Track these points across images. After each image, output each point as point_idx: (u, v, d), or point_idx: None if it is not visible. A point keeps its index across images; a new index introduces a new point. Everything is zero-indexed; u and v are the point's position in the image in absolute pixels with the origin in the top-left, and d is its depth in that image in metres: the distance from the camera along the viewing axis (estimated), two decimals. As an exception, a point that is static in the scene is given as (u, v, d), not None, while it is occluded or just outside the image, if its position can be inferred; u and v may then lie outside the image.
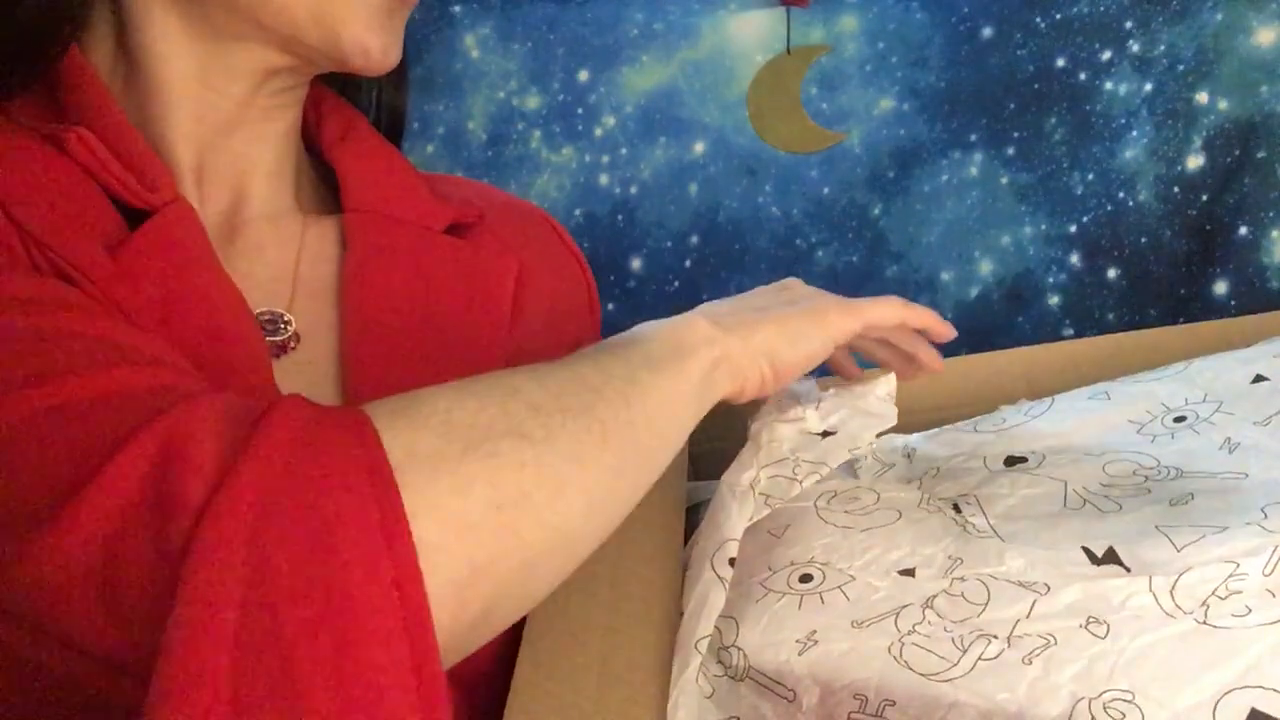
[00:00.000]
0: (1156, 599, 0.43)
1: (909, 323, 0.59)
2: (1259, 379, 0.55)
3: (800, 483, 0.55)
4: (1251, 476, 0.48)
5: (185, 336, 0.51)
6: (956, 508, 0.52)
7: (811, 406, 0.58)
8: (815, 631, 0.46)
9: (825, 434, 0.57)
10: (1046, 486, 0.51)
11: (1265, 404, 0.53)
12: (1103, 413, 0.57)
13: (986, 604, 0.45)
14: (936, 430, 0.63)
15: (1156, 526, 0.46)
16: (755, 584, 0.50)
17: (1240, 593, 0.42)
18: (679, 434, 0.50)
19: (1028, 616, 0.44)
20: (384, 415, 0.40)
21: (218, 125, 0.59)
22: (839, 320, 0.55)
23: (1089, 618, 0.43)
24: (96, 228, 0.51)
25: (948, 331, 0.61)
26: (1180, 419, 0.54)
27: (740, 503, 0.53)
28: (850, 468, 0.60)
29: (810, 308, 0.55)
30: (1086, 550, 0.45)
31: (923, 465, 0.59)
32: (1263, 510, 0.45)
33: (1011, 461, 0.54)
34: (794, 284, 0.60)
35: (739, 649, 0.47)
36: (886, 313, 0.58)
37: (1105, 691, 0.40)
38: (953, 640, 0.44)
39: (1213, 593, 0.42)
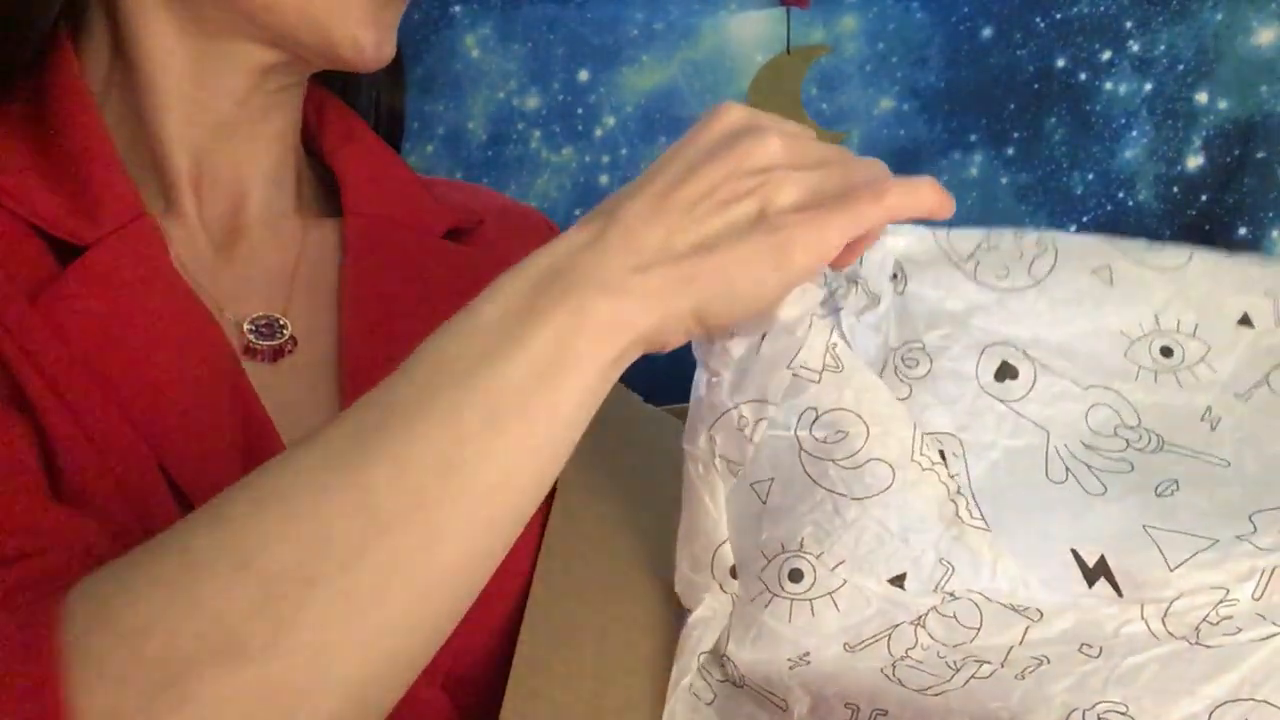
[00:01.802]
0: (1148, 625, 0.43)
1: (907, 215, 0.46)
2: (1245, 321, 0.53)
3: (752, 440, 0.50)
4: (1234, 466, 0.48)
5: (123, 371, 0.49)
6: (943, 455, 0.49)
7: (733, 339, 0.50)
8: (808, 654, 0.46)
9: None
10: (1029, 437, 0.49)
11: (1248, 368, 0.52)
12: (1099, 302, 0.53)
13: (979, 629, 0.45)
14: (932, 259, 0.53)
15: (1144, 527, 0.45)
16: (751, 577, 0.49)
17: (1230, 617, 0.42)
18: (554, 465, 0.40)
19: (1021, 643, 0.44)
20: (72, 643, 0.33)
21: (214, 127, 0.59)
22: (805, 258, 0.42)
23: (1082, 644, 0.43)
24: (19, 274, 0.49)
25: (947, 205, 0.46)
26: (1167, 351, 0.52)
27: (709, 489, 0.51)
28: (832, 299, 0.51)
29: (774, 240, 0.41)
30: (1077, 556, 0.45)
31: (911, 325, 0.51)
32: (1251, 520, 0.45)
33: (1002, 375, 0.51)
34: (784, 151, 0.43)
35: (731, 660, 0.47)
36: (880, 220, 0.44)
37: (1098, 703, 0.40)
38: (947, 664, 0.44)
39: (1204, 619, 0.43)
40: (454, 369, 0.38)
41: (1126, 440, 0.49)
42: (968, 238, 0.53)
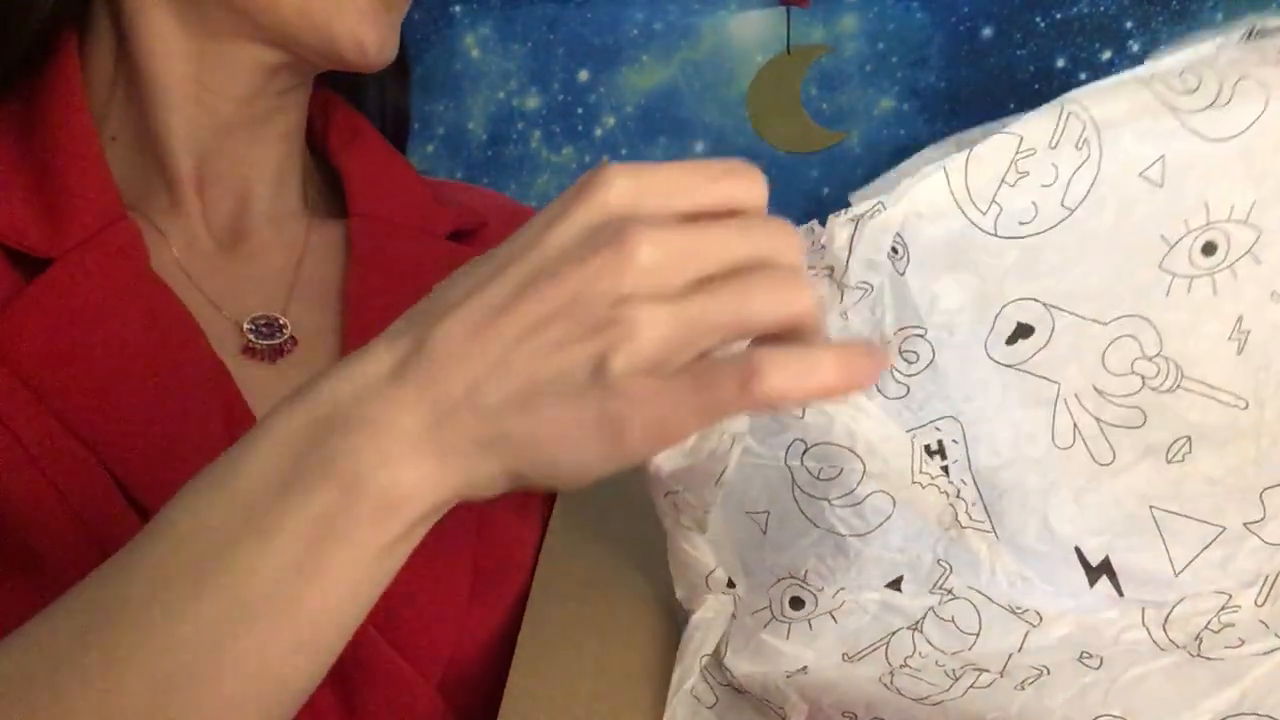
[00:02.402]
0: (1149, 632, 0.43)
1: (788, 404, 0.34)
2: None
3: (708, 515, 0.47)
4: (1251, 408, 0.46)
5: (78, 389, 0.48)
6: (942, 446, 0.47)
7: None
8: (806, 668, 0.46)
9: None
10: (1038, 396, 0.46)
11: None
12: (1143, 210, 0.45)
13: (978, 635, 0.45)
14: (943, 214, 0.44)
15: (1152, 507, 0.45)
16: (760, 589, 0.49)
17: (1233, 625, 0.42)
18: (316, 667, 0.33)
19: (1020, 650, 0.44)
20: None
21: (218, 128, 0.59)
22: (642, 443, 0.32)
23: (1082, 652, 0.43)
24: None
25: (858, 377, 0.32)
26: (1209, 249, 0.46)
27: (685, 536, 0.48)
28: (831, 278, 0.44)
29: (606, 412, 0.31)
30: (1080, 554, 0.45)
31: (911, 309, 0.44)
32: (1261, 501, 0.44)
33: (1015, 337, 0.46)
34: (654, 270, 0.31)
35: (729, 669, 0.47)
36: (748, 409, 0.32)
37: (1099, 717, 0.40)
38: (945, 672, 0.44)
39: (1205, 626, 0.42)
40: (192, 551, 0.32)
41: (1142, 378, 0.45)
42: (993, 158, 0.43)
